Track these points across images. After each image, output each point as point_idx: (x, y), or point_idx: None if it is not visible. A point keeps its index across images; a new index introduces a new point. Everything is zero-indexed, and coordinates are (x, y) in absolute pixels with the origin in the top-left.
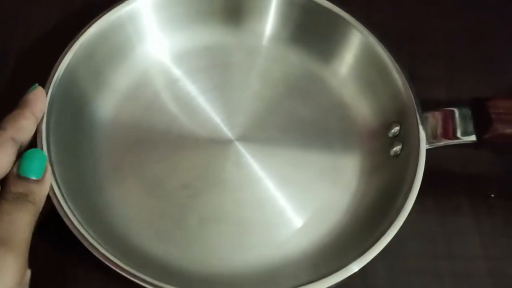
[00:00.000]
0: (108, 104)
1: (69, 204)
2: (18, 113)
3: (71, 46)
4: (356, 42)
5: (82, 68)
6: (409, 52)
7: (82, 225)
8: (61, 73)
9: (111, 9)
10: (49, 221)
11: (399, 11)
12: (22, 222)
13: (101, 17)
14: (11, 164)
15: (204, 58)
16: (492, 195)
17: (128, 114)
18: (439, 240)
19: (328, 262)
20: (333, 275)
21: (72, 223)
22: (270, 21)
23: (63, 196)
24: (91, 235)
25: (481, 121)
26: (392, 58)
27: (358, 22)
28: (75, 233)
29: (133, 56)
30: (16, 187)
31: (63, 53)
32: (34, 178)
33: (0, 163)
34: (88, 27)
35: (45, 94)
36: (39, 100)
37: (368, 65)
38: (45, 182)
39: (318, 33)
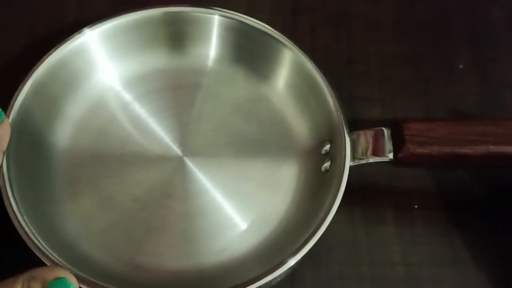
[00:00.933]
0: (64, 132)
1: (24, 216)
2: None
3: (24, 84)
4: (288, 59)
5: (36, 103)
6: (347, 74)
7: (35, 236)
8: (17, 109)
9: (60, 45)
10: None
11: (338, 37)
12: None
13: (51, 53)
14: None
15: (153, 82)
16: (416, 207)
17: (84, 139)
18: (363, 248)
19: (270, 260)
20: (272, 270)
21: (25, 233)
22: (212, 44)
23: (18, 208)
24: (44, 246)
25: (397, 141)
26: (322, 75)
27: (288, 40)
28: (28, 243)
29: (86, 85)
30: None
31: (16, 93)
32: None
33: None
34: (40, 64)
35: (9, 126)
36: (6, 135)
37: (301, 82)
38: None
39: (255, 54)
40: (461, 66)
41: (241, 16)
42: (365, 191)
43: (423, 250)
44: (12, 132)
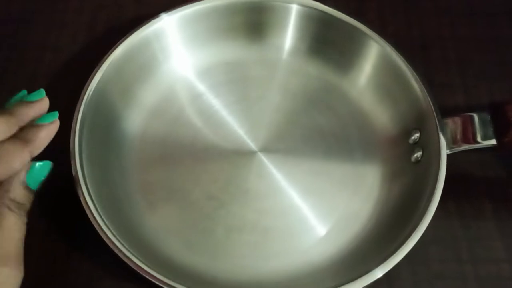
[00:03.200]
0: (135, 120)
1: (103, 217)
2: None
3: (101, 65)
4: (374, 52)
5: (111, 85)
6: (422, 60)
7: (116, 238)
8: (92, 90)
9: (137, 29)
10: (79, 232)
11: (410, 22)
12: (19, 236)
13: (128, 36)
14: None
15: (226, 73)
16: None
17: (155, 129)
18: (462, 244)
19: (352, 269)
20: (357, 281)
21: (106, 235)
22: (289, 35)
23: (97, 210)
24: (126, 248)
25: (500, 125)
26: (410, 67)
27: (374, 33)
28: (111, 245)
29: (159, 72)
30: (21, 197)
31: (94, 71)
32: (34, 190)
33: None
34: (117, 46)
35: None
36: (47, 140)
37: (386, 74)
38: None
39: (335, 45)
40: None
41: (321, 6)
42: (456, 182)
43: None
44: (85, 117)
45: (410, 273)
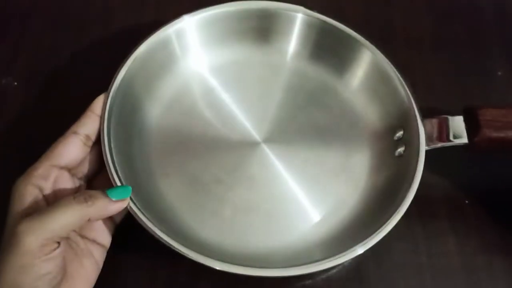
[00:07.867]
0: (154, 110)
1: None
2: (81, 115)
3: (127, 60)
4: (366, 59)
5: (136, 78)
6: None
7: (142, 213)
8: (119, 82)
9: (160, 28)
10: None
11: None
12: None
13: (152, 34)
14: (79, 151)
15: (236, 72)
16: (467, 202)
17: (170, 119)
18: (420, 240)
19: (340, 246)
20: (343, 255)
21: (135, 213)
22: (293, 41)
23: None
24: (149, 219)
25: (472, 127)
26: (397, 73)
27: (368, 41)
28: (138, 220)
29: (176, 68)
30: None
31: (121, 65)
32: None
33: (67, 150)
34: (141, 43)
35: (103, 97)
36: (98, 101)
37: (376, 78)
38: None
39: (333, 51)
40: (499, 73)
41: (323, 16)
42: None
43: (476, 242)
44: (112, 107)
45: (375, 263)
